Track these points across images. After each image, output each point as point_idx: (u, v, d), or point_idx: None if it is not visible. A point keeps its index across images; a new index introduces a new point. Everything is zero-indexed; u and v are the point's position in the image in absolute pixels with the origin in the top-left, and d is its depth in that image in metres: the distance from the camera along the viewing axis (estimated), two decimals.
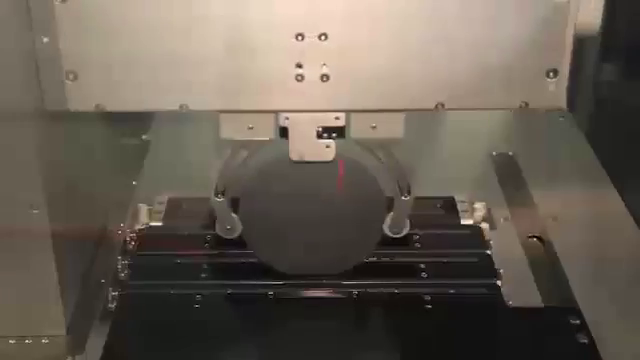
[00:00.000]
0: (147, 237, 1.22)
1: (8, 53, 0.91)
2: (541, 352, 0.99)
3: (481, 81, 0.94)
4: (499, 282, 1.12)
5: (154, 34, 0.92)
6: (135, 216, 1.28)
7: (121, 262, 1.16)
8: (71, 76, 0.93)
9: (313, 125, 0.98)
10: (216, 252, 1.17)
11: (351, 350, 1.03)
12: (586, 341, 0.99)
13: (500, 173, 1.40)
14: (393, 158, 1.02)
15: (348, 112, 0.98)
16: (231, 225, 1.06)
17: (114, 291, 1.11)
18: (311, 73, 0.93)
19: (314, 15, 0.91)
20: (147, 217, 1.27)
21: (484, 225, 1.24)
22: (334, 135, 0.99)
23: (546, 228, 1.25)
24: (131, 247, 1.20)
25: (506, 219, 1.28)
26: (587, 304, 1.08)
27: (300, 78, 0.93)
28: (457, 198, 1.29)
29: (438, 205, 1.29)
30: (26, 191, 0.98)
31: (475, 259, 1.17)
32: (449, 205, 1.28)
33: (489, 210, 1.29)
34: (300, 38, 0.92)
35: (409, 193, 1.03)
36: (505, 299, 1.10)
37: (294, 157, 1.00)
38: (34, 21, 0.91)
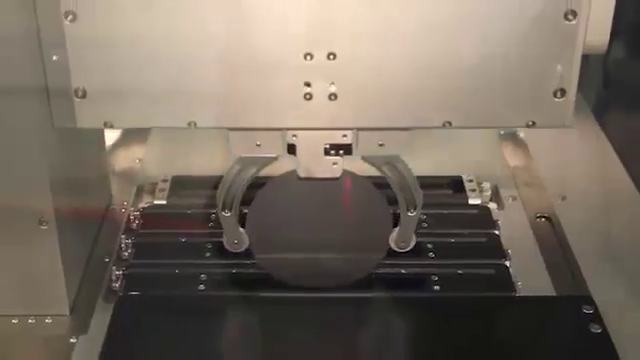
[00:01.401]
0: (151, 216, 1.21)
1: (19, 69, 0.92)
2: (553, 342, 0.98)
3: (488, 101, 0.94)
4: (508, 263, 1.11)
5: (163, 52, 0.92)
6: (139, 194, 1.27)
7: (125, 241, 1.15)
8: (80, 93, 0.93)
9: (321, 142, 0.99)
10: (221, 231, 1.15)
11: (357, 329, 1.02)
12: (600, 330, 0.98)
13: (508, 152, 1.38)
14: (399, 173, 1.02)
15: (355, 130, 0.98)
16: (238, 239, 1.06)
17: (118, 270, 1.10)
18: (319, 92, 0.93)
19: (323, 35, 0.91)
20: (151, 195, 1.26)
21: (492, 205, 1.24)
22: (341, 152, 0.99)
23: (554, 208, 1.24)
24: (135, 226, 1.19)
25: (514, 199, 1.27)
26: (596, 286, 1.07)
27: (308, 97, 0.94)
28: (465, 177, 1.28)
29: (445, 184, 1.28)
30: (29, 170, 0.97)
31: (483, 239, 1.16)
32: (457, 184, 1.27)
33: (497, 190, 1.28)
34: (309, 57, 0.92)
35: (415, 208, 1.03)
36: (514, 280, 1.09)
37: (301, 174, 1.01)
38: (43, 39, 0.91)
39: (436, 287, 1.09)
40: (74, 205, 1.07)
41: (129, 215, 1.21)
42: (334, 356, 0.98)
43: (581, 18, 0.90)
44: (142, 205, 1.24)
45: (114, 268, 1.10)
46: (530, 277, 1.10)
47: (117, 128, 0.97)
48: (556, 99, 0.93)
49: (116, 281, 1.09)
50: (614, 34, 0.95)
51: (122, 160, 1.34)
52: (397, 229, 1.06)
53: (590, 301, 1.02)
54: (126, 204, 1.24)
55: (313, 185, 1.02)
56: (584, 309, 1.01)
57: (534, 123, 0.95)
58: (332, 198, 1.05)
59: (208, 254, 1.13)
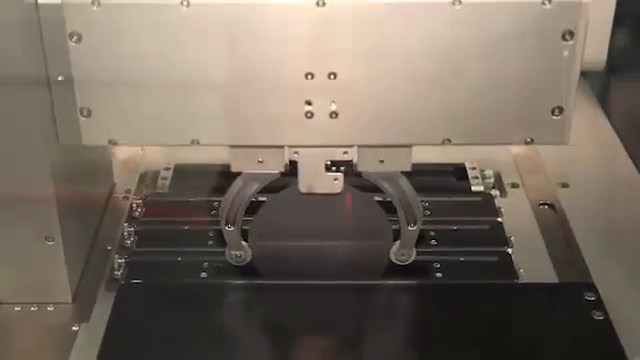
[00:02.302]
0: (153, 204, 1.21)
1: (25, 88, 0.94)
2: (555, 329, 0.98)
3: (487, 118, 0.96)
4: (510, 250, 1.11)
5: (166, 73, 0.93)
6: (142, 183, 1.27)
7: (127, 229, 1.15)
8: (85, 112, 0.95)
9: (322, 159, 1.00)
10: None
11: (359, 316, 1.02)
12: (602, 317, 0.97)
13: None
14: (400, 189, 1.03)
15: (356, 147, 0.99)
16: (241, 253, 1.07)
17: (120, 258, 1.10)
18: (320, 110, 0.95)
19: (323, 55, 0.92)
20: (154, 184, 1.26)
21: (494, 192, 1.23)
22: (342, 168, 1.01)
23: (557, 195, 1.23)
24: (137, 214, 1.19)
25: (517, 186, 1.27)
26: (599, 273, 1.07)
27: (310, 115, 0.95)
28: (467, 165, 1.28)
29: (448, 172, 1.27)
30: (31, 158, 0.97)
31: (486, 226, 1.16)
32: (459, 172, 1.27)
33: (499, 177, 1.28)
34: (310, 77, 0.93)
35: (415, 223, 1.04)
36: (516, 267, 1.09)
37: (303, 189, 1.02)
38: (49, 61, 0.93)
39: (438, 274, 1.09)
40: (76, 193, 1.07)
41: (132, 203, 1.21)
42: (336, 343, 0.98)
43: (578, 38, 0.91)
44: (145, 193, 1.24)
45: (116, 256, 1.10)
46: (532, 264, 1.10)
47: (121, 145, 0.99)
48: (554, 117, 0.95)
49: (118, 269, 1.09)
50: (618, 19, 0.95)
51: (125, 148, 1.33)
52: (397, 242, 1.07)
53: (592, 288, 1.02)
54: (129, 192, 1.24)
55: (314, 200, 1.03)
56: (586, 296, 1.00)
57: (532, 140, 0.97)
58: (333, 213, 1.06)
59: (210, 242, 1.13)
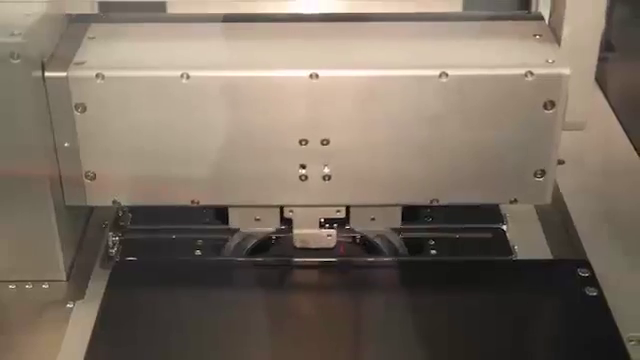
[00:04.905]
0: None
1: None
2: (549, 305, 0.99)
3: (473, 181, 1.01)
4: (505, 227, 1.11)
5: (167, 140, 0.98)
6: None
7: (122, 207, 1.15)
8: (90, 176, 1.00)
9: (316, 217, 1.05)
10: None
11: (353, 292, 1.03)
12: (595, 294, 0.98)
13: None
14: (391, 245, 1.08)
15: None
16: None
17: (115, 236, 1.10)
18: (314, 173, 1.00)
19: (317, 123, 0.98)
20: None
21: None
22: (335, 225, 1.06)
23: None
24: None
25: None
26: (593, 249, 1.07)
27: (304, 178, 1.00)
28: None
29: None
30: (26, 138, 0.97)
31: None
32: None
33: None
34: (304, 143, 0.98)
35: None
36: (511, 244, 1.09)
37: (298, 244, 1.07)
38: (56, 129, 0.98)
39: (433, 251, 1.09)
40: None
41: None
42: (332, 319, 0.98)
43: (559, 107, 0.96)
44: None
45: (111, 234, 1.10)
46: (527, 241, 1.10)
47: (125, 205, 1.05)
48: (536, 179, 1.01)
49: (113, 247, 1.09)
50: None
51: None
52: None
53: (586, 264, 1.02)
54: None
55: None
56: (580, 272, 1.01)
57: (516, 200, 1.02)
58: None
59: (206, 219, 1.13)
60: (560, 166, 1.23)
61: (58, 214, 1.02)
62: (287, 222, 1.07)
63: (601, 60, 1.03)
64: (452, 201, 1.03)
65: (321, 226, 1.06)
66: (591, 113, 1.03)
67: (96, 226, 1.14)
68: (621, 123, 1.34)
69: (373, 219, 1.07)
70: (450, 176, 1.00)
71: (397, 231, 1.10)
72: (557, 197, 1.18)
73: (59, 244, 1.03)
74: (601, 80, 1.44)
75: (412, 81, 0.96)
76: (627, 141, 1.30)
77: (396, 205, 1.05)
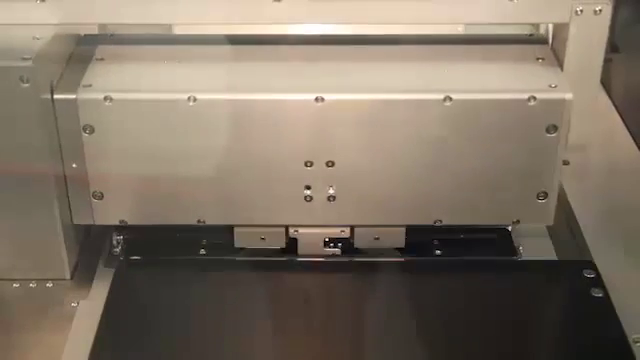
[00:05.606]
0: None
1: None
2: (555, 306, 0.99)
3: (476, 203, 1.03)
4: (509, 227, 1.11)
5: (173, 161, 1.00)
6: None
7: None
8: (97, 195, 1.01)
9: (320, 237, 1.07)
10: None
11: (359, 293, 1.02)
12: (601, 295, 0.97)
13: None
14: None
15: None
16: None
17: (119, 235, 1.09)
18: (319, 194, 1.02)
19: (322, 146, 0.99)
20: None
21: None
22: (340, 245, 1.07)
23: None
24: None
25: None
26: (598, 250, 1.07)
27: (309, 199, 1.02)
28: None
29: None
30: (27, 137, 0.97)
31: None
32: None
33: None
34: (309, 165, 1.00)
35: None
36: (515, 245, 1.09)
37: None
38: (64, 150, 0.99)
39: (437, 251, 1.09)
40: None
41: None
42: (337, 318, 0.98)
43: (561, 131, 0.98)
44: None
45: (115, 233, 1.10)
46: (532, 241, 1.10)
47: (131, 224, 1.05)
48: (539, 200, 1.02)
49: (117, 246, 1.09)
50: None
51: None
52: None
53: (592, 266, 1.02)
54: None
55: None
56: (585, 273, 1.00)
57: (518, 221, 1.04)
58: None
59: None
60: (564, 167, 1.23)
61: (62, 211, 1.02)
62: (292, 241, 1.08)
63: (605, 61, 1.03)
64: (455, 222, 1.04)
65: (326, 245, 1.07)
66: (595, 114, 1.03)
67: (100, 225, 1.13)
68: (625, 124, 1.34)
69: (377, 238, 1.07)
70: (453, 198, 1.02)
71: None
72: (562, 197, 1.18)
73: (63, 242, 1.03)
74: (605, 81, 1.44)
75: (416, 105, 0.97)
76: (631, 141, 1.30)
77: (400, 226, 1.06)
